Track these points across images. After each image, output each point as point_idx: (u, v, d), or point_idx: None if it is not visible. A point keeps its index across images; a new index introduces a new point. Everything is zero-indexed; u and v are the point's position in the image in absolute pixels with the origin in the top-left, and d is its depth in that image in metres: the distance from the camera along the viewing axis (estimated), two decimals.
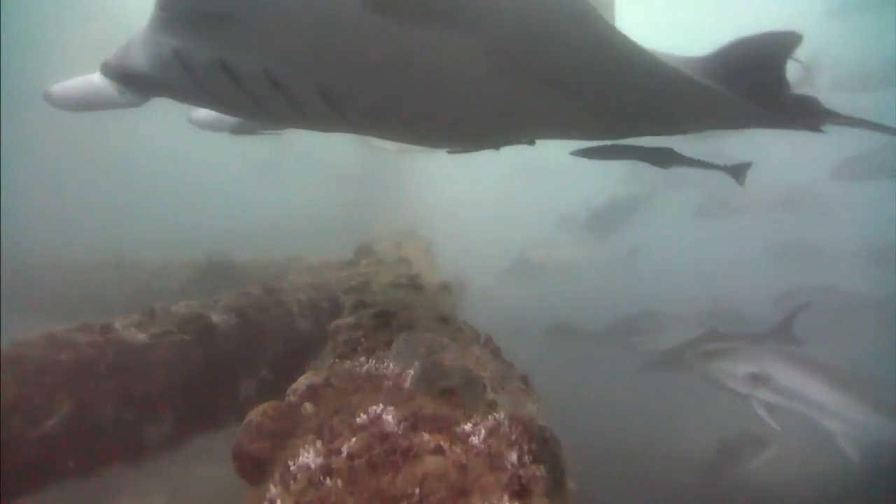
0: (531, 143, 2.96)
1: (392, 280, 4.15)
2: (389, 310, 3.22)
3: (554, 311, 10.30)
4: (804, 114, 2.45)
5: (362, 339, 2.87)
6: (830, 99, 2.46)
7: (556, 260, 13.39)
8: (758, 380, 3.49)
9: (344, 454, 1.65)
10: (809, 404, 3.67)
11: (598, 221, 13.24)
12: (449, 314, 3.35)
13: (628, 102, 2.37)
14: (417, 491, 1.44)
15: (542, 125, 2.68)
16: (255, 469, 1.95)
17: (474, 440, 1.69)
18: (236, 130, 4.24)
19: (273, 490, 1.59)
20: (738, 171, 3.40)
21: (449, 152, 3.26)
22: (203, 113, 4.27)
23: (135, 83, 2.51)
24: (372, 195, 11.72)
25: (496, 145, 3.03)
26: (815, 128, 2.56)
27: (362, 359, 2.49)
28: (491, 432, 1.74)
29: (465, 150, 3.13)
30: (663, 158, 3.29)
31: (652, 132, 2.79)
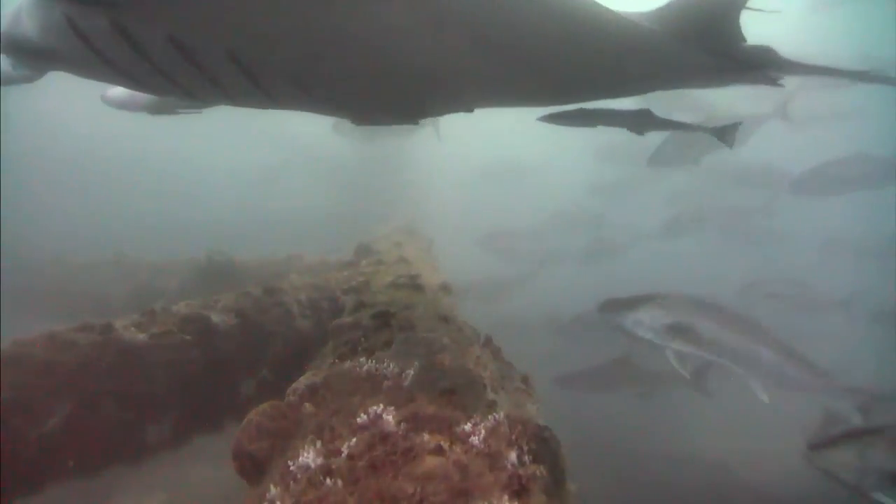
0: (469, 110, 2.77)
1: (392, 280, 4.15)
2: (389, 310, 3.22)
3: (551, 308, 10.28)
4: (760, 64, 2.37)
5: (362, 339, 2.87)
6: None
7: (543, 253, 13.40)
8: (675, 330, 3.45)
9: (344, 454, 1.66)
10: (724, 351, 3.59)
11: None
12: (449, 314, 3.35)
13: (569, 60, 2.22)
14: (418, 491, 1.45)
15: (476, 89, 2.51)
16: (255, 469, 1.96)
17: (474, 440, 1.69)
18: (154, 110, 3.86)
19: (273, 490, 1.59)
20: (725, 133, 3.18)
21: (388, 125, 3.01)
22: (117, 91, 3.93)
23: (26, 54, 2.27)
24: (372, 195, 11.72)
25: (429, 114, 2.82)
26: (772, 81, 2.49)
27: (362, 359, 2.49)
28: (491, 432, 1.74)
29: (400, 120, 2.86)
30: (640, 122, 3.07)
31: (603, 93, 2.63)
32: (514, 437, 1.73)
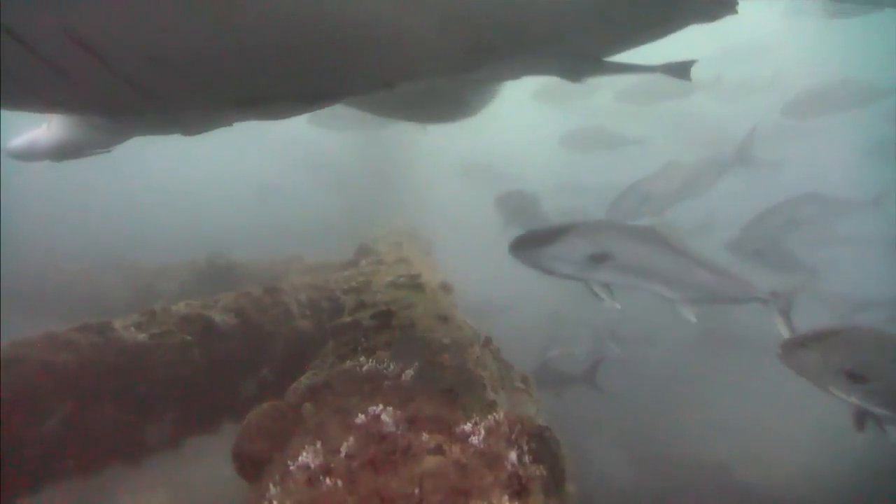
0: (389, 87, 2.55)
1: (392, 280, 4.15)
2: (389, 310, 3.22)
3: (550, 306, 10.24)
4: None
5: (362, 339, 2.87)
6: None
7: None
8: (598, 260, 3.22)
9: (343, 454, 1.66)
10: (648, 277, 3.43)
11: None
12: (449, 314, 3.35)
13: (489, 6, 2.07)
14: (417, 490, 1.44)
15: (387, 60, 2.27)
16: (254, 469, 1.96)
17: (474, 440, 1.69)
18: (57, 155, 3.30)
19: (273, 490, 1.59)
20: (680, 70, 3.11)
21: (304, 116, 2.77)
22: (18, 142, 3.39)
23: None
24: (372, 196, 11.72)
25: (350, 92, 2.58)
26: (730, 7, 2.49)
27: (362, 359, 2.49)
28: (490, 432, 1.74)
29: (311, 106, 2.57)
30: (588, 67, 2.92)
31: (542, 42, 2.49)
32: (513, 437, 1.73)
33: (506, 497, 1.43)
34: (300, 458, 1.66)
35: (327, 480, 1.54)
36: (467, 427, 1.77)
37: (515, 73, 3.01)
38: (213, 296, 3.94)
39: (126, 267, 7.39)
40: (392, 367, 2.36)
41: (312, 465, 1.62)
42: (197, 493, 4.90)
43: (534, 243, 3.28)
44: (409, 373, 2.27)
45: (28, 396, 2.78)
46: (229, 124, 2.72)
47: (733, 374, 9.27)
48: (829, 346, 2.65)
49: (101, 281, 7.10)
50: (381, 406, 1.87)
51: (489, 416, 1.85)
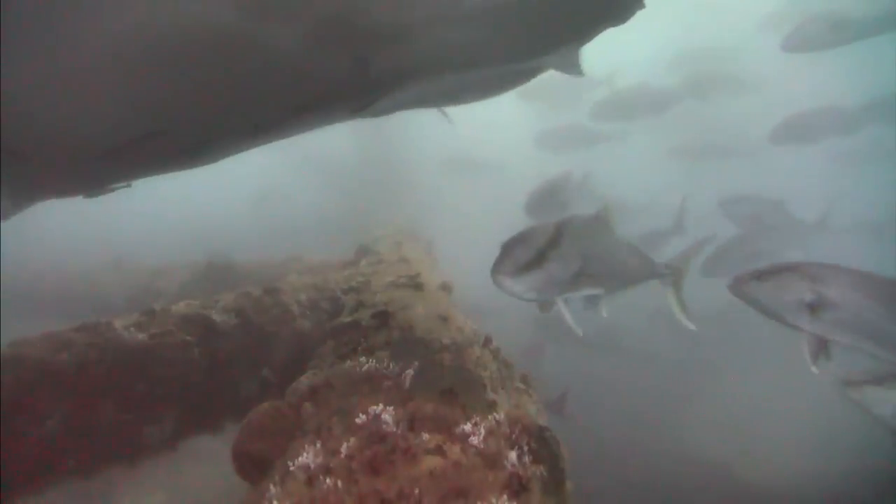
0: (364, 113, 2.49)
1: (392, 280, 4.15)
2: (389, 310, 3.22)
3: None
4: None
5: (362, 340, 2.87)
6: None
7: None
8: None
9: (343, 454, 1.66)
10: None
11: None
12: (449, 314, 3.35)
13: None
14: (416, 491, 1.45)
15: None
16: (255, 469, 1.96)
17: (474, 440, 1.69)
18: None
19: (273, 490, 1.59)
20: (570, 65, 2.96)
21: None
22: None
23: None
24: (372, 196, 11.73)
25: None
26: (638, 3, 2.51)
27: (362, 359, 2.49)
28: (491, 432, 1.74)
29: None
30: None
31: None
32: (513, 437, 1.73)
33: (505, 497, 1.43)
34: (300, 458, 1.66)
35: (327, 480, 1.54)
36: (467, 427, 1.77)
37: (430, 99, 2.91)
38: (213, 296, 3.94)
39: (126, 267, 7.39)
40: (392, 367, 2.36)
41: (312, 465, 1.62)
42: (197, 493, 4.90)
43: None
44: (409, 373, 2.28)
45: (28, 396, 2.78)
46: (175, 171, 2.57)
47: (732, 373, 9.29)
48: (787, 279, 2.66)
49: (101, 281, 7.10)
50: (381, 406, 1.87)
51: (489, 416, 1.86)
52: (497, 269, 2.60)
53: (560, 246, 2.78)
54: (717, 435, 7.89)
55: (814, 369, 2.73)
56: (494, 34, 2.24)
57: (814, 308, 2.62)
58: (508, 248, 2.69)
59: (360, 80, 2.14)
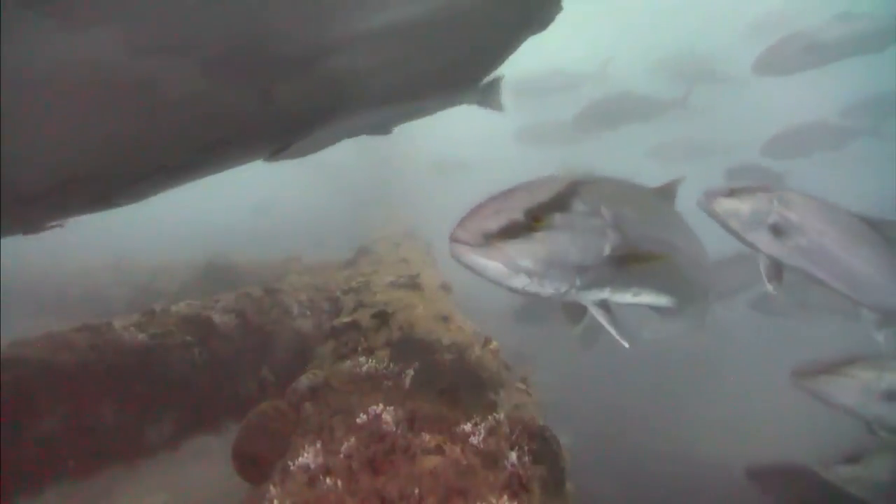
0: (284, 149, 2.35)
1: (392, 280, 4.15)
2: (389, 310, 3.22)
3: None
4: None
5: (362, 340, 2.88)
6: None
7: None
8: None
9: (343, 454, 1.66)
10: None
11: None
12: (449, 314, 3.36)
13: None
14: (416, 490, 1.45)
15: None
16: (255, 469, 1.96)
17: (474, 440, 1.70)
18: None
19: (273, 490, 1.59)
20: (491, 99, 2.76)
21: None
22: None
23: None
24: (372, 196, 11.73)
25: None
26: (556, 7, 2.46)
27: (362, 359, 2.50)
28: (491, 432, 1.75)
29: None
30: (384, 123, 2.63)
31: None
32: (514, 437, 1.74)
33: (505, 497, 1.44)
34: (300, 458, 1.66)
35: (327, 480, 1.54)
36: (467, 427, 1.77)
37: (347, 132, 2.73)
38: (213, 296, 3.94)
39: (126, 267, 7.38)
40: (392, 367, 2.36)
41: (312, 465, 1.63)
42: (197, 493, 4.90)
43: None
44: (409, 373, 2.28)
45: (28, 396, 2.78)
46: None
47: (732, 373, 9.28)
48: (756, 198, 2.61)
49: (101, 281, 7.10)
50: (381, 406, 1.88)
51: (489, 416, 1.86)
52: (456, 233, 1.73)
53: (572, 207, 1.88)
54: (716, 434, 7.89)
55: (769, 288, 2.70)
56: (411, 58, 2.13)
57: (776, 230, 2.59)
58: (482, 204, 1.84)
59: (269, 116, 2.03)
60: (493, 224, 1.75)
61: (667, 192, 2.48)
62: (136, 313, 3.48)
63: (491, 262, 1.73)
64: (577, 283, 1.89)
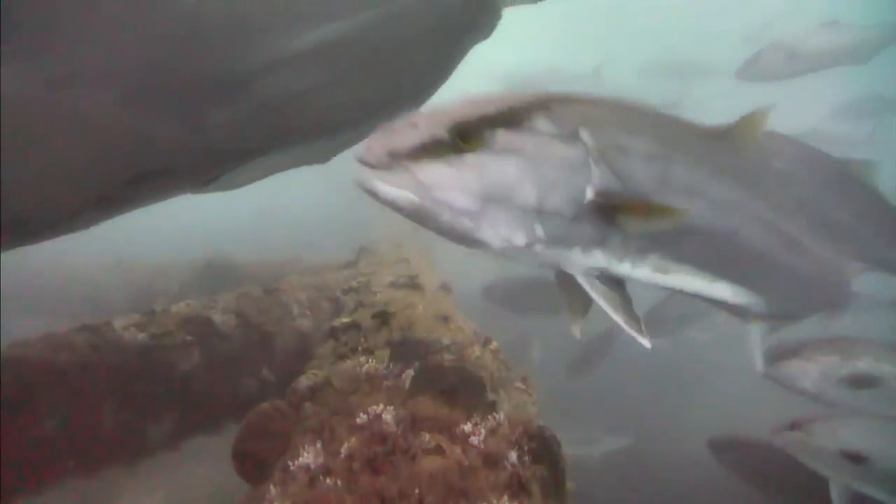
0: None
1: (392, 280, 4.15)
2: (389, 310, 3.22)
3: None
4: None
5: (362, 340, 2.88)
6: None
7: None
8: None
9: (343, 454, 1.66)
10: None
11: None
12: (449, 314, 3.36)
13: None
14: (416, 491, 1.45)
15: None
16: (254, 469, 1.96)
17: (474, 440, 1.70)
18: None
19: (272, 490, 1.59)
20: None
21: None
22: None
23: None
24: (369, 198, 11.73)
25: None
26: (495, 15, 2.35)
27: (362, 359, 2.50)
28: (491, 432, 1.75)
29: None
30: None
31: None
32: (514, 438, 1.74)
33: (506, 497, 1.44)
34: (300, 458, 1.66)
35: (327, 480, 1.54)
36: (467, 427, 1.77)
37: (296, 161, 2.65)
38: (213, 296, 3.94)
39: (126, 267, 7.38)
40: (392, 367, 2.36)
41: (312, 465, 1.63)
42: (197, 493, 4.90)
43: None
44: (409, 373, 2.28)
45: (28, 396, 2.78)
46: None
47: (731, 372, 9.28)
48: None
49: (101, 281, 7.10)
50: (381, 406, 1.88)
51: (489, 417, 1.86)
52: (361, 153, 1.33)
53: (530, 126, 1.35)
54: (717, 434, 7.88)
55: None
56: (346, 80, 2.03)
57: None
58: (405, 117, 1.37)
59: (199, 146, 1.96)
60: (405, 141, 1.27)
61: (746, 127, 1.61)
62: (136, 313, 3.48)
63: (397, 191, 1.29)
64: (540, 234, 1.34)
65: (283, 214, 13.63)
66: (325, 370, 2.47)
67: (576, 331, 1.61)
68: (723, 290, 1.64)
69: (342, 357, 2.66)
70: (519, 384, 3.13)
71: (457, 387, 2.15)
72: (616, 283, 1.50)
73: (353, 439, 1.71)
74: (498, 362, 3.13)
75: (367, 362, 2.43)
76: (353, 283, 4.33)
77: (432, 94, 2.51)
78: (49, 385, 2.86)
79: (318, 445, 1.74)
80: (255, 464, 1.97)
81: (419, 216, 1.34)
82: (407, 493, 1.44)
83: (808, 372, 3.00)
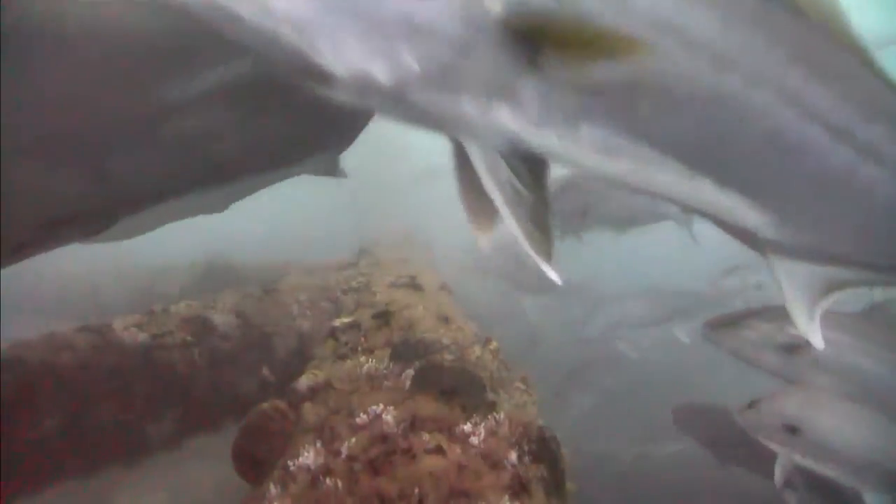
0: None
1: (392, 280, 4.15)
2: (389, 310, 3.22)
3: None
4: None
5: (362, 340, 2.88)
6: None
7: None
8: None
9: (343, 454, 1.66)
10: None
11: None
12: (449, 314, 3.36)
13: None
14: (417, 491, 1.45)
15: None
16: (254, 469, 1.96)
17: (474, 440, 1.70)
18: None
19: (272, 490, 1.59)
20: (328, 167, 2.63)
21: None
22: None
23: None
24: (372, 198, 11.74)
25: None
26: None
27: (362, 359, 2.50)
28: (491, 432, 1.75)
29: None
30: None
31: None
32: (514, 438, 1.74)
33: (506, 498, 1.44)
34: (300, 459, 1.66)
35: (327, 480, 1.54)
36: (467, 427, 1.77)
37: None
38: (212, 296, 3.94)
39: (126, 267, 7.38)
40: (392, 367, 2.36)
41: (312, 466, 1.63)
42: (197, 493, 4.90)
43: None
44: (409, 373, 2.28)
45: (28, 396, 2.78)
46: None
47: (730, 372, 9.25)
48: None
49: (101, 281, 7.10)
50: (381, 406, 1.88)
51: (489, 417, 1.86)
52: None
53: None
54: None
55: None
56: (245, 126, 1.95)
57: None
58: None
59: (102, 194, 1.94)
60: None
61: None
62: (137, 313, 3.48)
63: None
64: (412, 66, 0.86)
65: (283, 215, 13.63)
66: (325, 370, 2.47)
67: (483, 243, 1.05)
68: (711, 194, 1.04)
69: (342, 357, 2.66)
70: (519, 384, 3.13)
71: (457, 387, 2.15)
72: (533, 170, 0.97)
73: (354, 439, 1.72)
74: (498, 362, 3.13)
75: (368, 362, 2.43)
76: (354, 284, 4.33)
77: (354, 138, 2.38)
78: (49, 385, 2.86)
79: (319, 445, 1.74)
80: (255, 464, 1.97)
81: (217, 19, 0.89)
82: (407, 493, 1.44)
83: (748, 340, 3.05)
